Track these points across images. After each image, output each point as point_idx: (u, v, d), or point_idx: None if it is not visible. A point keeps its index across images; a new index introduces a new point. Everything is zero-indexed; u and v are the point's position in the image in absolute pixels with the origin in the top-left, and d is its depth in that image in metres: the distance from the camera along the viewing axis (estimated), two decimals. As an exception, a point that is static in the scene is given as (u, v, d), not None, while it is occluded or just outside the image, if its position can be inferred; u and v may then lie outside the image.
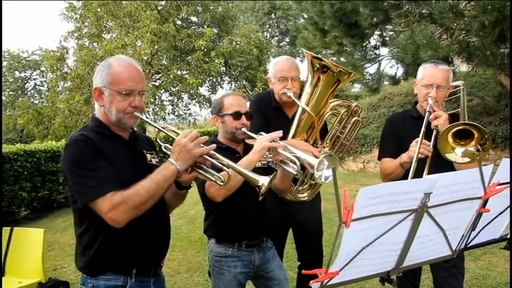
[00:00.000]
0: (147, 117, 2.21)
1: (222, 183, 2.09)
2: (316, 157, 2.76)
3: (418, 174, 2.56)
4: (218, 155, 2.11)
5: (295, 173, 2.46)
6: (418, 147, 2.65)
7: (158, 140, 2.25)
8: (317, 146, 3.04)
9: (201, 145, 2.05)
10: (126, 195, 1.89)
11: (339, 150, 3.17)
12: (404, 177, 2.70)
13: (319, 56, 3.18)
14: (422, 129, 2.70)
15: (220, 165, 2.11)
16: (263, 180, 2.15)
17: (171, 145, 2.10)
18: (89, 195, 1.90)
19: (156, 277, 2.19)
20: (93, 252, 2.02)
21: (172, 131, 2.18)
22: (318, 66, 3.04)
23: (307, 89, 3.12)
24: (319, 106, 3.11)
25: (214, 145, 2.12)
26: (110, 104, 2.05)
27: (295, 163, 2.41)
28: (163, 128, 2.16)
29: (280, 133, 2.49)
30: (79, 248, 2.09)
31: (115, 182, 1.93)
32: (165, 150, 2.20)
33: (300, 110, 3.12)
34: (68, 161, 1.96)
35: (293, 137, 3.12)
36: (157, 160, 2.25)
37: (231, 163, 2.13)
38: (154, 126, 2.21)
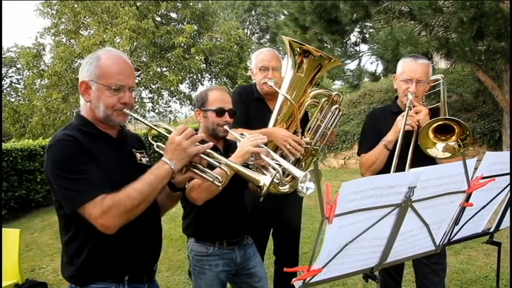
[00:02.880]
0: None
1: (220, 184, 1.97)
2: (300, 144, 2.92)
3: (399, 170, 2.54)
4: (215, 154, 1.99)
5: (276, 181, 2.36)
6: (404, 120, 2.65)
7: (149, 139, 2.13)
8: (297, 136, 3.01)
9: (197, 143, 1.93)
10: (118, 198, 1.75)
11: (320, 141, 3.14)
12: (386, 170, 2.69)
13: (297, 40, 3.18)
14: (407, 104, 2.70)
15: (218, 164, 1.99)
16: (265, 180, 2.05)
17: (164, 144, 1.97)
18: (76, 200, 1.75)
19: (150, 283, 2.08)
20: (82, 261, 1.87)
21: (165, 128, 2.04)
22: (298, 50, 3.04)
23: (289, 73, 3.10)
24: (300, 94, 3.09)
25: (211, 143, 2.01)
26: (98, 100, 1.91)
27: (276, 170, 2.32)
28: (156, 126, 2.02)
29: (264, 139, 2.41)
30: (65, 256, 1.94)
31: (104, 184, 1.78)
32: (157, 149, 2.07)
33: (280, 99, 3.10)
34: (52, 164, 1.80)
35: (274, 125, 3.10)
36: (147, 160, 2.12)
37: (229, 162, 2.02)
38: (146, 123, 2.07)
